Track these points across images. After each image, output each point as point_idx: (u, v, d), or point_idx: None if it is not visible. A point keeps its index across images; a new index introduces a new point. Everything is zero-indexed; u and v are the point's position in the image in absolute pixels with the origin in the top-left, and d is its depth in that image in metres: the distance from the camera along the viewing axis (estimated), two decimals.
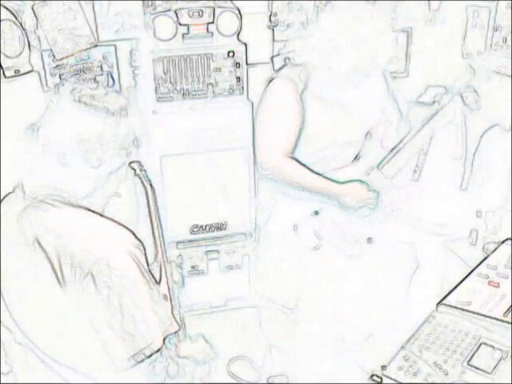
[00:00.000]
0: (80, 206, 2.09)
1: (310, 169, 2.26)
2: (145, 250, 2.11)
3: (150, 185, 2.20)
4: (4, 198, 2.07)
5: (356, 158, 2.30)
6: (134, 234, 2.11)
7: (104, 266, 1.99)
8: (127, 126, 2.08)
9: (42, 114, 2.04)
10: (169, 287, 2.23)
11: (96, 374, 2.05)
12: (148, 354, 2.06)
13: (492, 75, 2.31)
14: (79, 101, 2.01)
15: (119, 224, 2.13)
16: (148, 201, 2.22)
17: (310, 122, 2.25)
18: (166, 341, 2.18)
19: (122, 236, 2.08)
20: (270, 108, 2.26)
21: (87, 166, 2.06)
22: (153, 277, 2.14)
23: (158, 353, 2.11)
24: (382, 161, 2.29)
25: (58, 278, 2.00)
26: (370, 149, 2.29)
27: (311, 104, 2.25)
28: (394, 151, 2.28)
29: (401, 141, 2.29)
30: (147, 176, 2.20)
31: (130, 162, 2.17)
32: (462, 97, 2.29)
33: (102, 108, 2.02)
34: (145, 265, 2.10)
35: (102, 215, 2.13)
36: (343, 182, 2.28)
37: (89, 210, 2.10)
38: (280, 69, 2.30)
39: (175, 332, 2.15)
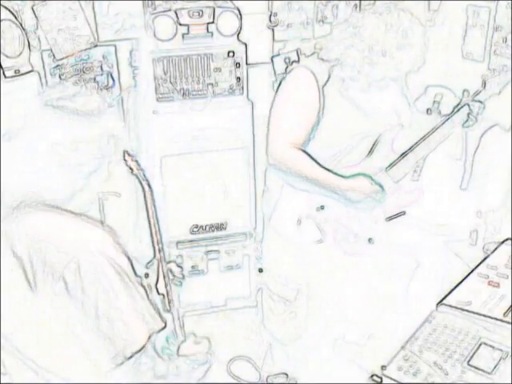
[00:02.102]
0: (53, 209, 2.06)
1: (317, 162, 2.26)
2: (128, 257, 2.09)
3: (148, 185, 2.20)
4: None
5: (367, 155, 2.30)
6: (111, 233, 2.10)
7: (75, 268, 1.96)
8: (101, 127, 2.06)
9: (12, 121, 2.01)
10: (166, 286, 2.22)
11: (77, 379, 2.03)
12: (128, 355, 2.03)
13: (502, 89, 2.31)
14: (47, 104, 2.00)
15: (95, 223, 2.10)
16: (145, 199, 2.21)
17: (326, 118, 2.25)
18: (164, 339, 2.17)
19: (93, 236, 2.06)
20: (287, 96, 2.25)
21: (63, 170, 2.04)
22: (135, 274, 2.12)
23: (142, 352, 2.09)
24: (390, 164, 2.29)
25: (30, 284, 1.98)
26: (379, 151, 2.29)
27: (332, 100, 2.24)
28: (403, 155, 2.28)
29: (411, 146, 2.28)
30: (144, 175, 2.19)
31: (126, 159, 2.15)
32: (468, 105, 2.29)
33: (72, 109, 2.01)
34: (123, 263, 2.07)
35: (76, 215, 2.10)
36: (348, 177, 2.27)
37: (62, 211, 2.07)
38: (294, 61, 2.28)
39: (161, 329, 2.14)
